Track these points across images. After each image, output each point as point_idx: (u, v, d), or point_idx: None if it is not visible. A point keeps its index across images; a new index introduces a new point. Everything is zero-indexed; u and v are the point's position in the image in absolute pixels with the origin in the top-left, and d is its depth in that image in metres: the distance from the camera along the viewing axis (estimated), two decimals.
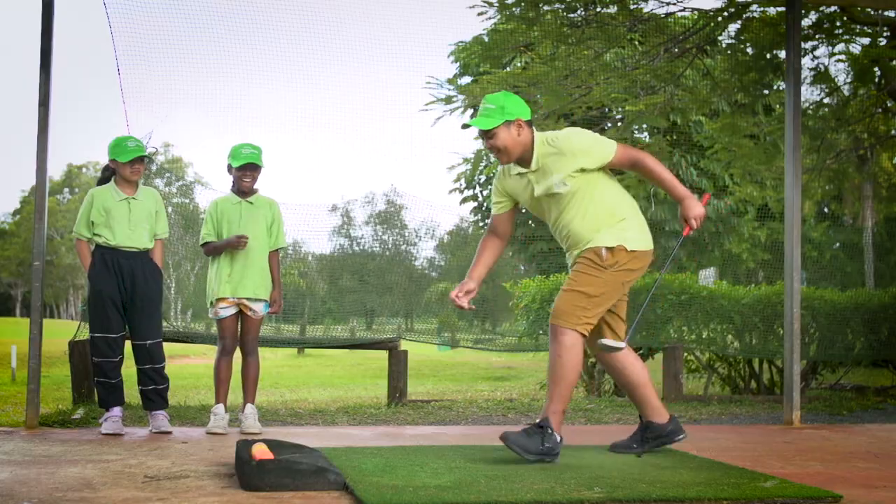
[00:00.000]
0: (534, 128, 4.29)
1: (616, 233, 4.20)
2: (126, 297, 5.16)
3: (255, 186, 5.46)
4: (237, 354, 5.48)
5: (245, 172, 5.36)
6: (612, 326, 4.40)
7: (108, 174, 5.30)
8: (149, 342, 5.19)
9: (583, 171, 4.20)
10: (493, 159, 22.02)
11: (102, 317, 5.12)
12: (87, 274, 5.24)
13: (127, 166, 5.16)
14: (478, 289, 4.41)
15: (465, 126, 4.30)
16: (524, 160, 4.27)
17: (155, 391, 5.23)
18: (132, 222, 5.18)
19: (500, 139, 4.19)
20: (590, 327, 4.17)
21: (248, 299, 5.34)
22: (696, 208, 4.24)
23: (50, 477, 3.63)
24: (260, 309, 5.39)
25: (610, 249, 4.16)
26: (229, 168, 5.42)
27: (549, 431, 4.04)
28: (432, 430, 5.70)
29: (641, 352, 9.12)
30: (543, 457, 4.00)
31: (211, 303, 5.39)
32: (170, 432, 5.15)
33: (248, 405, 5.40)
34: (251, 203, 5.42)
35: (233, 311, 5.36)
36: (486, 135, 4.22)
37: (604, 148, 4.25)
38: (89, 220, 5.18)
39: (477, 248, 4.55)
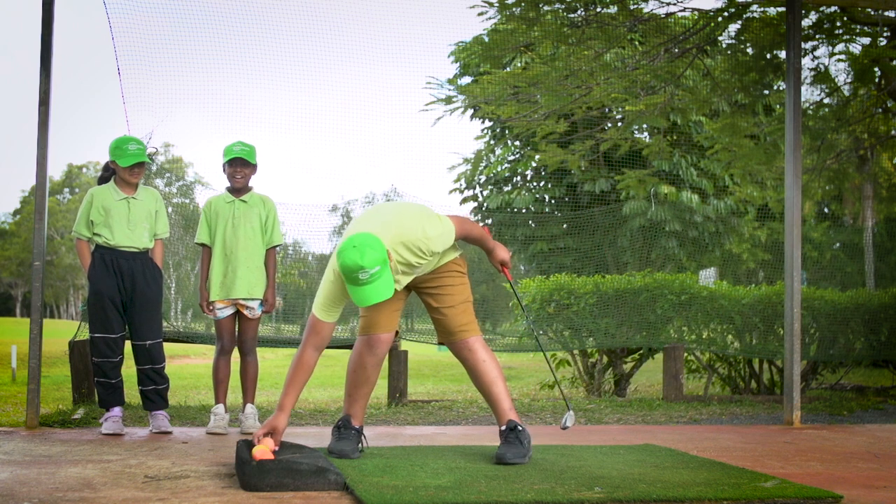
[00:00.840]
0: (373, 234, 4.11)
1: (452, 249, 4.36)
2: (126, 297, 5.16)
3: (249, 185, 5.45)
4: (236, 354, 5.48)
5: (235, 168, 5.34)
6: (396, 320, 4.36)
7: (108, 174, 5.29)
8: (149, 342, 5.19)
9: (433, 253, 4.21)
10: (493, 160, 22.03)
11: (102, 317, 5.12)
12: (87, 274, 5.23)
13: (126, 170, 5.16)
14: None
15: (371, 304, 3.83)
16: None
17: (155, 391, 5.23)
18: (132, 222, 5.18)
19: (397, 283, 4.06)
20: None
21: (243, 299, 5.33)
22: (503, 252, 4.50)
23: (50, 477, 3.63)
24: (256, 308, 5.38)
25: (461, 256, 4.38)
26: (223, 167, 5.42)
27: (520, 428, 4.20)
28: (432, 430, 5.70)
29: (641, 352, 9.13)
30: (529, 451, 4.19)
31: (209, 303, 5.38)
32: (170, 432, 5.15)
33: (248, 405, 5.40)
34: (245, 202, 5.40)
35: (230, 311, 5.36)
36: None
37: (451, 235, 4.17)
38: (89, 219, 5.18)
39: (292, 369, 4.16)
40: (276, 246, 5.50)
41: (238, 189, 5.41)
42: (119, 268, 5.14)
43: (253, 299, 5.36)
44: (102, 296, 5.11)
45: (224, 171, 5.43)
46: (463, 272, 4.34)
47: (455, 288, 4.27)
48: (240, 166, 5.35)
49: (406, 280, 4.16)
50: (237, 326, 5.43)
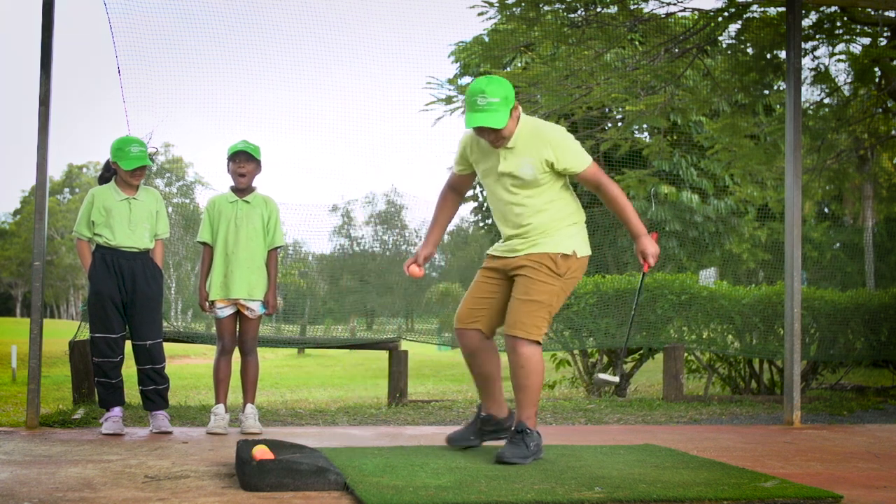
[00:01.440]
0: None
1: (566, 238, 4.19)
2: (126, 297, 5.16)
3: (253, 185, 5.44)
4: (236, 354, 5.47)
5: (239, 164, 5.32)
6: (497, 321, 4.40)
7: (109, 174, 5.29)
8: (149, 342, 5.19)
9: (551, 167, 4.13)
10: None
11: (102, 317, 5.12)
12: (88, 274, 5.23)
13: (128, 172, 5.17)
14: (434, 252, 4.51)
15: (472, 126, 4.12)
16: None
17: (155, 391, 5.23)
18: (132, 222, 5.18)
19: (508, 129, 4.09)
20: (543, 335, 4.21)
21: (244, 299, 5.33)
22: (652, 245, 4.25)
23: (50, 477, 3.63)
24: (257, 308, 5.37)
25: (564, 256, 4.16)
26: (228, 166, 5.41)
27: (528, 431, 4.14)
28: (432, 431, 5.69)
29: (641, 352, 9.13)
30: (535, 456, 4.11)
31: (210, 302, 5.39)
32: (170, 432, 5.15)
33: (249, 405, 5.40)
34: (247, 202, 5.39)
35: (230, 310, 5.36)
36: (493, 130, 4.07)
37: (578, 156, 4.17)
38: (90, 219, 5.18)
39: (436, 206, 4.57)
40: (278, 247, 5.50)
41: (242, 189, 5.41)
42: (120, 268, 5.14)
43: (253, 300, 5.36)
44: (103, 296, 5.11)
45: (228, 170, 5.42)
46: (553, 272, 4.13)
47: (535, 283, 4.13)
48: (243, 161, 5.32)
49: (510, 162, 4.13)
50: (238, 326, 5.42)
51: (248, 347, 5.42)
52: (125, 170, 5.14)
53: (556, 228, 4.18)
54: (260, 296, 5.37)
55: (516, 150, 4.14)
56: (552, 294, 4.14)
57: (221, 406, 5.32)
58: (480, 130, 4.10)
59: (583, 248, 4.24)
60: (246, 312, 5.35)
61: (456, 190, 4.57)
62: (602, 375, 4.42)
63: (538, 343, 4.15)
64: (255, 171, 5.41)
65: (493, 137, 4.10)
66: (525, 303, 4.13)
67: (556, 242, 4.16)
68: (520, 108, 4.16)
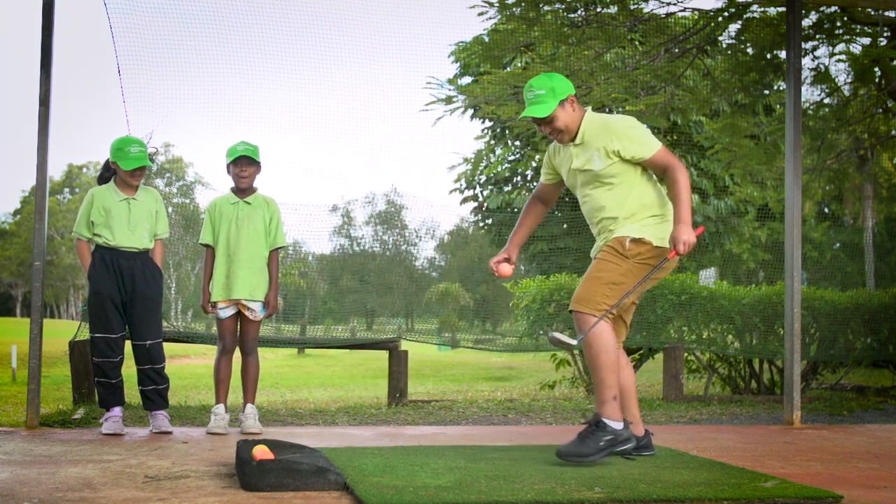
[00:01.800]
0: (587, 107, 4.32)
1: (643, 227, 4.16)
2: (126, 297, 5.16)
3: (254, 186, 5.45)
4: (237, 355, 5.47)
5: (241, 168, 5.33)
6: (614, 328, 4.37)
7: (108, 174, 5.29)
8: (149, 342, 5.19)
9: (619, 157, 4.16)
10: (493, 159, 22.03)
11: (102, 317, 5.12)
12: (87, 274, 5.23)
13: (128, 173, 5.17)
14: (517, 254, 4.48)
15: (522, 117, 4.31)
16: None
17: (155, 391, 5.23)
18: (132, 223, 5.18)
19: (560, 121, 4.18)
20: (606, 311, 4.08)
21: (245, 300, 5.33)
22: (687, 234, 4.09)
23: (50, 477, 3.63)
24: (258, 309, 5.37)
25: (634, 240, 4.12)
26: (227, 168, 5.41)
27: (603, 425, 3.98)
28: (432, 430, 5.69)
29: (641, 352, 9.13)
30: (608, 451, 3.93)
31: (212, 303, 5.39)
32: (170, 432, 5.15)
33: (249, 405, 5.40)
34: (248, 203, 5.40)
35: (232, 311, 5.36)
36: (543, 121, 4.18)
37: (645, 142, 4.18)
38: (89, 219, 5.18)
39: (521, 212, 4.58)
40: (279, 248, 5.50)
41: (243, 189, 5.41)
42: (119, 268, 5.14)
43: (254, 300, 5.36)
44: (102, 296, 5.11)
45: (228, 171, 5.42)
46: (620, 253, 4.10)
47: (600, 262, 4.13)
48: (245, 165, 5.34)
49: (581, 158, 4.20)
50: (239, 327, 5.43)
51: (249, 348, 5.42)
52: (125, 170, 5.14)
53: (634, 219, 4.19)
54: (261, 296, 5.37)
55: (585, 145, 4.23)
56: (615, 272, 4.09)
57: (221, 406, 5.32)
58: (537, 125, 4.26)
59: (659, 239, 4.17)
60: (247, 313, 5.36)
61: (542, 199, 4.58)
62: (556, 334, 4.11)
63: (605, 320, 4.06)
64: (256, 172, 5.42)
65: (549, 130, 4.22)
66: (586, 280, 4.14)
67: (629, 229, 4.16)
68: (576, 102, 4.23)
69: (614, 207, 4.20)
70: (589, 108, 4.29)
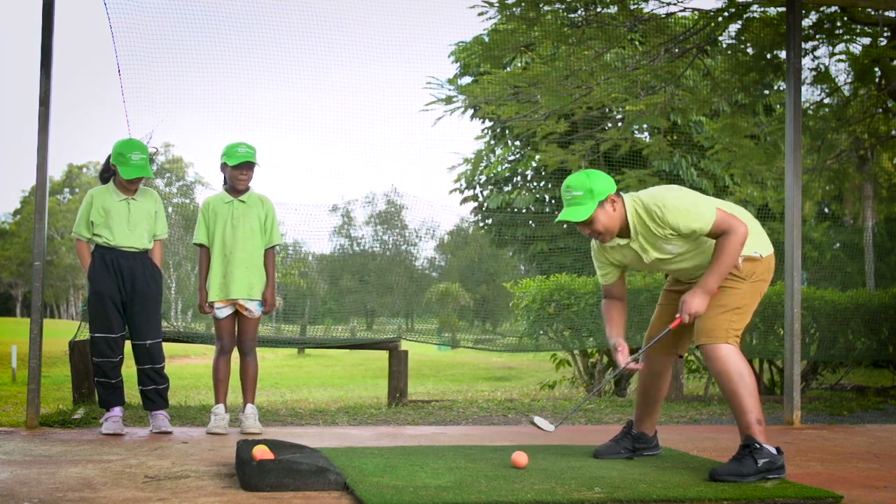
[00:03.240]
0: (621, 194, 4.09)
1: (747, 244, 4.00)
2: (126, 297, 5.16)
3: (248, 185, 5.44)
4: (236, 354, 5.47)
5: (242, 171, 5.33)
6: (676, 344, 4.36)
7: (108, 174, 5.30)
8: (149, 342, 5.19)
9: (679, 234, 3.99)
10: (493, 159, 22.03)
11: (102, 317, 5.12)
12: (87, 274, 5.24)
13: (128, 181, 5.17)
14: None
15: (558, 221, 4.15)
16: (621, 232, 4.08)
17: (155, 391, 5.23)
18: (131, 223, 5.19)
19: (600, 223, 3.99)
20: (738, 338, 4.00)
21: (243, 299, 5.33)
22: (699, 304, 3.93)
23: (50, 477, 3.63)
24: (255, 308, 5.37)
25: (746, 259, 4.00)
26: (223, 167, 5.39)
27: (757, 447, 3.79)
28: (432, 431, 5.69)
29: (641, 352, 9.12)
30: (766, 475, 3.75)
31: (209, 303, 5.38)
32: (170, 432, 5.15)
33: (249, 405, 5.40)
34: (243, 202, 5.39)
35: (229, 310, 5.36)
36: (583, 223, 4.01)
37: (701, 215, 3.93)
38: (89, 220, 5.19)
39: (605, 316, 4.36)
40: (275, 246, 5.50)
41: (238, 189, 5.41)
42: (119, 267, 5.15)
43: (252, 300, 5.36)
44: (103, 296, 5.11)
45: (223, 170, 5.41)
46: (737, 276, 3.97)
47: (722, 290, 3.96)
48: (246, 169, 5.34)
49: (651, 251, 4.03)
50: (237, 326, 5.42)
51: (248, 347, 5.42)
52: (123, 178, 5.15)
53: None
54: (259, 295, 5.38)
55: (644, 238, 4.05)
56: (736, 297, 3.98)
57: (221, 406, 5.31)
58: (577, 226, 4.09)
59: (765, 248, 4.07)
60: (245, 313, 5.36)
61: (615, 296, 4.35)
62: (536, 419, 4.19)
63: (732, 345, 3.97)
64: (253, 173, 5.43)
65: (589, 232, 4.06)
66: (710, 310, 3.99)
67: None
68: (618, 199, 4.03)
69: (702, 262, 4.07)
70: (630, 197, 4.08)
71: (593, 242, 4.28)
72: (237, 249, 5.32)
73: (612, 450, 4.45)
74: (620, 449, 4.45)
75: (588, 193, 3.96)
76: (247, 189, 5.44)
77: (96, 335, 5.14)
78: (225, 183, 5.47)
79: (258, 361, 5.49)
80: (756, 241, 4.06)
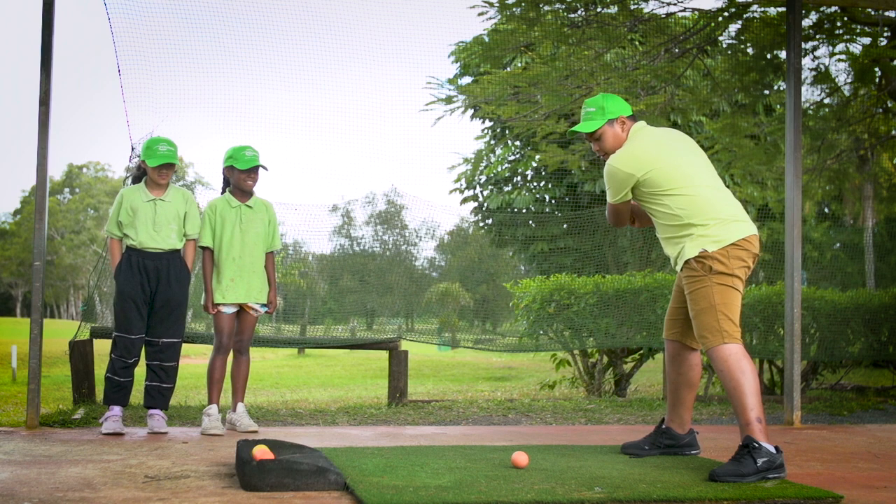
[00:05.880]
0: (639, 122, 4.29)
1: (693, 242, 4.05)
2: (149, 297, 5.18)
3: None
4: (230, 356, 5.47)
5: (251, 175, 5.36)
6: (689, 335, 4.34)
7: (140, 173, 5.34)
8: (162, 340, 5.19)
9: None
10: (493, 160, 22.02)
11: (122, 317, 5.16)
12: (113, 273, 5.27)
13: (154, 170, 5.19)
14: None
15: (571, 134, 4.36)
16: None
17: (158, 389, 5.21)
18: (157, 223, 5.21)
19: (605, 139, 4.23)
20: (736, 333, 3.98)
21: (248, 304, 5.37)
22: None
23: (50, 477, 3.63)
24: (261, 309, 5.44)
25: (698, 260, 4.03)
26: (229, 170, 5.39)
27: (756, 446, 3.77)
28: (432, 430, 5.70)
29: (641, 352, 9.13)
30: (765, 474, 3.73)
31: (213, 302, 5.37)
32: (165, 433, 5.15)
33: (240, 404, 5.42)
34: (250, 207, 5.42)
35: (234, 309, 5.38)
36: (591, 136, 4.25)
37: (609, 191, 4.25)
38: (118, 219, 5.23)
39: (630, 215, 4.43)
40: (275, 251, 5.55)
41: (243, 192, 5.43)
42: (144, 268, 5.17)
43: (258, 303, 5.41)
44: (125, 296, 5.15)
45: (228, 173, 5.42)
46: (698, 275, 4.02)
47: (693, 294, 4.05)
48: (255, 173, 5.38)
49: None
50: (237, 325, 5.43)
51: (245, 346, 5.45)
52: (150, 167, 5.18)
53: (677, 244, 4.13)
54: (264, 298, 5.43)
55: None
56: (708, 296, 3.99)
57: (214, 406, 5.30)
58: (589, 142, 4.33)
59: (714, 243, 4.02)
60: (251, 313, 5.40)
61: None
62: None
63: (731, 344, 3.95)
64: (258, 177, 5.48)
65: (597, 147, 4.28)
66: (695, 318, 4.06)
67: (685, 251, 4.08)
68: (629, 122, 4.24)
69: (661, 233, 4.23)
70: (639, 126, 4.24)
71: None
72: (246, 254, 5.35)
73: (636, 444, 4.47)
74: (645, 444, 4.46)
75: (600, 111, 4.23)
76: (251, 193, 5.46)
77: (115, 334, 5.18)
78: (227, 185, 5.47)
79: (250, 361, 5.53)
80: (707, 239, 4.03)
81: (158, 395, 5.24)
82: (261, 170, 5.42)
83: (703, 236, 4.04)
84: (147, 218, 5.19)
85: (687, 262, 4.07)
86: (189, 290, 5.43)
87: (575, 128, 4.31)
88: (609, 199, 4.27)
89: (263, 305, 5.44)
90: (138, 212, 5.19)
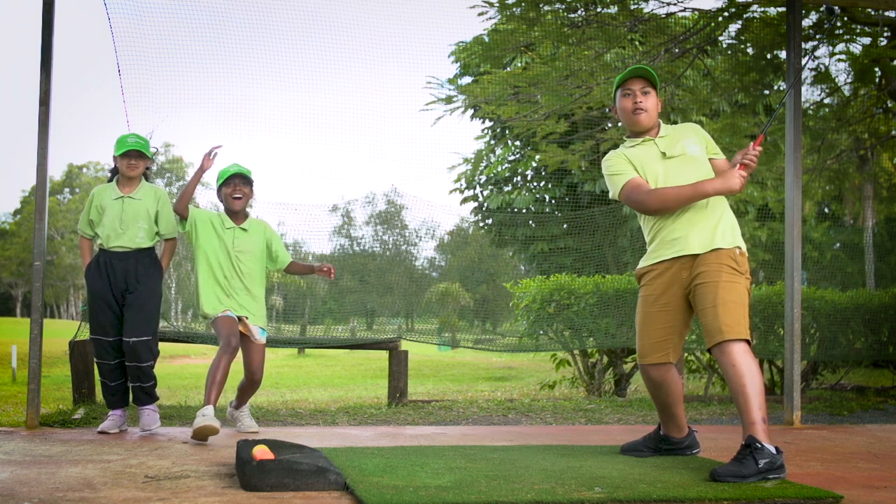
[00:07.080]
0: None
1: (731, 225, 4.13)
2: (119, 297, 5.12)
3: (246, 210, 5.27)
4: (238, 365, 5.35)
5: (235, 187, 5.14)
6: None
7: (113, 172, 5.31)
8: (132, 340, 5.05)
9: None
10: (493, 160, 22.03)
11: (94, 319, 5.13)
12: (84, 274, 5.24)
13: (122, 161, 5.12)
14: None
15: (636, 67, 4.39)
16: (650, 130, 4.35)
17: (140, 388, 5.18)
18: (123, 222, 5.11)
19: (653, 99, 4.33)
20: (749, 337, 3.98)
21: (246, 318, 5.17)
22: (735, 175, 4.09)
23: (50, 477, 3.63)
24: (259, 334, 5.23)
25: (741, 254, 4.07)
26: (219, 191, 5.21)
27: (759, 447, 3.73)
28: (432, 430, 5.70)
29: None
30: (766, 475, 3.70)
31: (204, 315, 5.22)
32: (157, 425, 5.16)
33: (243, 406, 5.42)
34: (245, 230, 5.20)
35: (230, 313, 5.15)
36: (650, 84, 4.32)
37: (610, 182, 4.46)
38: (89, 218, 5.19)
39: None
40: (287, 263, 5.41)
41: (236, 212, 5.20)
42: (112, 268, 5.10)
43: (255, 325, 5.23)
44: (96, 297, 5.11)
45: (220, 195, 5.22)
46: (737, 271, 4.02)
47: (726, 285, 3.99)
48: (240, 184, 5.15)
49: (673, 147, 4.32)
50: (245, 355, 5.26)
51: (258, 377, 5.30)
52: (117, 156, 5.12)
53: (718, 224, 4.17)
54: (262, 323, 5.27)
55: (670, 137, 4.36)
56: (742, 292, 4.04)
57: (210, 407, 5.14)
58: (632, 93, 4.34)
59: (742, 244, 4.17)
60: (252, 339, 5.22)
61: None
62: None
63: (746, 341, 3.93)
64: (250, 194, 5.25)
65: (641, 100, 4.31)
66: (724, 305, 3.99)
67: (732, 238, 4.13)
68: (660, 107, 4.43)
69: (698, 212, 4.21)
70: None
71: (614, 155, 4.46)
72: (234, 279, 5.15)
73: (635, 446, 4.46)
74: (643, 447, 4.45)
75: (654, 77, 4.36)
76: (246, 215, 5.26)
77: (92, 336, 5.16)
78: (223, 205, 5.26)
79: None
80: (738, 231, 4.16)
81: (142, 395, 5.20)
82: (253, 192, 5.24)
83: (736, 228, 4.16)
84: (114, 216, 5.10)
85: (729, 250, 4.05)
86: (160, 288, 5.27)
87: (645, 66, 4.36)
88: (616, 189, 4.35)
89: (263, 332, 5.26)
90: (106, 210, 5.12)
